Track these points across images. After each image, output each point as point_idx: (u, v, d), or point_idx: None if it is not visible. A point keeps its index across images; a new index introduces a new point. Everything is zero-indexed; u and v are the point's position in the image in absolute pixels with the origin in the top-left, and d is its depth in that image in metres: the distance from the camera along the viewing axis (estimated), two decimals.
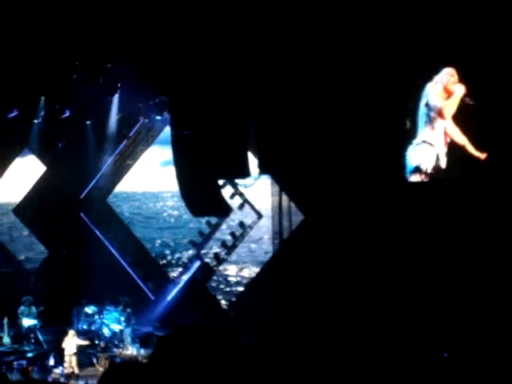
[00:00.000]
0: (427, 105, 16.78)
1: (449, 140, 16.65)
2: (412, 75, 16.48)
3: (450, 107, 16.59)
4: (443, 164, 16.72)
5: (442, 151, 16.72)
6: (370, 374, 15.59)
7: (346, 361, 16.13)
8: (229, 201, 20.17)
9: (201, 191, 18.66)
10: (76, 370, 18.45)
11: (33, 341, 20.03)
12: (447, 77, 16.55)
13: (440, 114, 16.71)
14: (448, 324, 16.29)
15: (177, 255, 26.41)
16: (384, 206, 17.10)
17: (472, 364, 15.03)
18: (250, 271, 25.18)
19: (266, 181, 19.54)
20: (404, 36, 16.36)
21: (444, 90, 16.62)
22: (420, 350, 16.11)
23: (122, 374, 3.61)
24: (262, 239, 26.16)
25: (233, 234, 22.02)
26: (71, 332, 18.92)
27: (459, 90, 16.43)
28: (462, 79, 16.43)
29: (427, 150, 16.77)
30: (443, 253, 16.57)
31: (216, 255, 22.09)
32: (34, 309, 20.44)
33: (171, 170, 18.87)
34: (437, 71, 16.56)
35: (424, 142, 16.83)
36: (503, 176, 16.14)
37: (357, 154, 17.19)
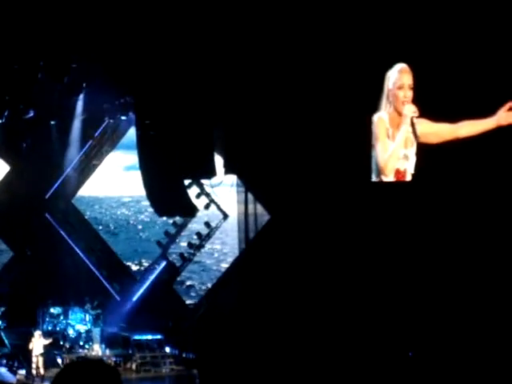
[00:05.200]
0: None
1: None
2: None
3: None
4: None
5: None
6: (335, 369, 15.68)
7: (313, 358, 16.22)
8: (195, 201, 20.18)
9: (167, 191, 18.66)
10: (42, 371, 18.41)
11: None
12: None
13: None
14: (408, 322, 16.42)
15: (141, 257, 26.41)
16: (348, 205, 17.20)
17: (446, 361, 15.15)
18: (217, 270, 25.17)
19: (232, 188, 19.60)
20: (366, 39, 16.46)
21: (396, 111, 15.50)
22: (379, 348, 16.22)
23: (76, 373, 3.61)
24: (227, 239, 26.25)
25: (199, 234, 22.02)
26: (37, 333, 18.87)
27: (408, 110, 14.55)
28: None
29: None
30: (408, 250, 16.72)
31: (182, 255, 22.09)
32: None
33: (134, 175, 18.84)
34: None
35: None
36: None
37: (322, 154, 17.27)
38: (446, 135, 14.75)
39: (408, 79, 14.41)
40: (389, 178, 14.76)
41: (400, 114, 14.48)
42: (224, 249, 28.20)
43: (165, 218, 22.53)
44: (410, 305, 16.56)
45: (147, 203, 20.19)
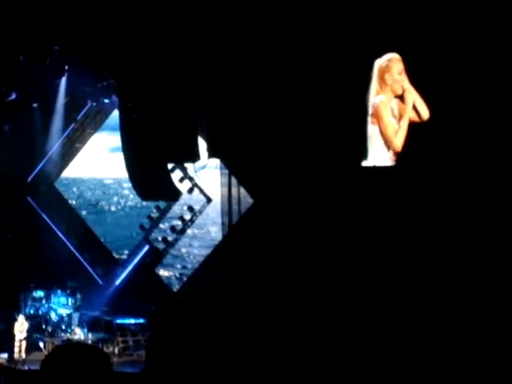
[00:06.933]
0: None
1: None
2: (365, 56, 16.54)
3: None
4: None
5: None
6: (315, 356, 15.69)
7: (294, 344, 16.23)
8: (178, 185, 20.12)
9: (150, 175, 18.57)
10: (23, 355, 18.36)
11: None
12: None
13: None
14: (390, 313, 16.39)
15: (123, 241, 26.37)
16: (333, 189, 17.17)
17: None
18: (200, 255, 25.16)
19: (215, 171, 19.54)
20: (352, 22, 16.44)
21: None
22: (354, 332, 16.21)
23: (66, 356, 3.57)
24: (211, 223, 26.25)
25: (182, 219, 21.98)
26: (21, 317, 18.79)
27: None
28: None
29: None
30: (394, 237, 16.70)
31: (165, 239, 22.04)
32: None
33: (118, 157, 18.80)
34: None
35: None
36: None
37: (306, 137, 17.22)
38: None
39: (402, 66, 16.32)
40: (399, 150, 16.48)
41: (398, 96, 16.36)
42: (206, 233, 28.17)
43: (144, 203, 22.48)
44: (400, 295, 16.48)
45: (127, 185, 20.14)
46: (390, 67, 16.38)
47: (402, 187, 16.69)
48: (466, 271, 16.14)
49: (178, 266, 26.29)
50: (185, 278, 24.55)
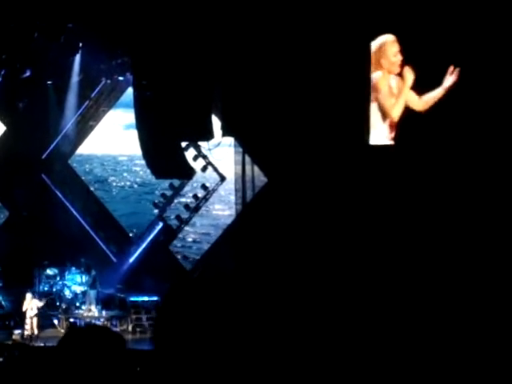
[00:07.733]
0: None
1: None
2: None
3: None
4: None
5: None
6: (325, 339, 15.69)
7: (305, 326, 16.24)
8: (192, 163, 20.11)
9: (163, 153, 18.55)
10: (36, 332, 18.46)
11: None
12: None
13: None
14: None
15: (128, 218, 26.46)
16: (346, 169, 17.13)
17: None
18: (214, 233, 25.18)
19: (229, 149, 19.52)
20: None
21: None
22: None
23: (82, 338, 3.56)
24: (218, 201, 26.25)
25: (195, 197, 22.00)
26: (29, 295, 18.87)
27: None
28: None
29: None
30: (405, 217, 16.66)
31: (178, 217, 22.08)
32: None
33: (133, 134, 18.81)
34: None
35: None
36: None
37: (321, 116, 17.18)
38: (415, 106, 16.73)
39: (397, 47, 16.55)
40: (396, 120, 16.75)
41: (395, 74, 16.58)
42: (220, 211, 28.15)
43: (153, 180, 22.51)
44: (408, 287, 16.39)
45: (139, 162, 20.17)
46: (383, 51, 16.59)
47: (407, 166, 16.69)
48: (471, 254, 16.06)
49: (178, 245, 26.36)
50: (179, 256, 24.63)
